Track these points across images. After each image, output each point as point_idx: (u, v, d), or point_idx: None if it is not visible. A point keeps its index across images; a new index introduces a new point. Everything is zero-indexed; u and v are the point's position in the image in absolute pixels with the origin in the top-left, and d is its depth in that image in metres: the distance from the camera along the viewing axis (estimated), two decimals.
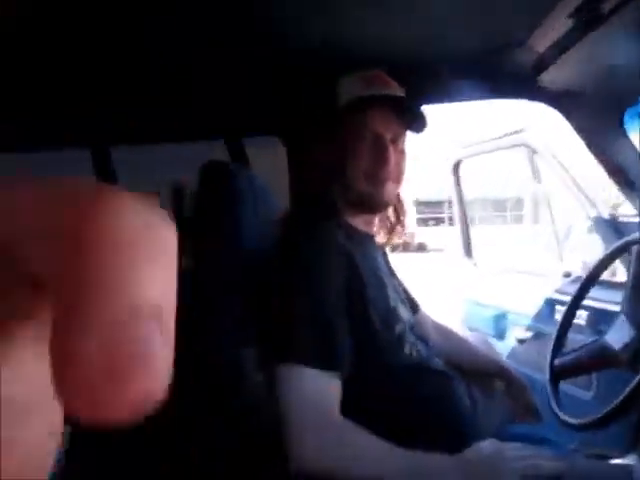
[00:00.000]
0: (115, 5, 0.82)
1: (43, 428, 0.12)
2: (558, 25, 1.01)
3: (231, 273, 0.90)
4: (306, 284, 0.80)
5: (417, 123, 0.96)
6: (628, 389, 0.85)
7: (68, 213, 0.10)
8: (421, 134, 0.99)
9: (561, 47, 1.07)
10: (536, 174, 2.07)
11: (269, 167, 1.50)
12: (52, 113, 1.28)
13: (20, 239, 0.10)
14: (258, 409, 0.83)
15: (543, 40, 1.08)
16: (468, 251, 2.34)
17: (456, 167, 2.24)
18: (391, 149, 0.92)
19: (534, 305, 1.84)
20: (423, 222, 18.68)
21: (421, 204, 19.07)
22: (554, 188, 2.09)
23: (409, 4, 0.96)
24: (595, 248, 1.86)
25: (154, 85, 1.22)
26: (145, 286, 0.10)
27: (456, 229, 2.40)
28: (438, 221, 18.20)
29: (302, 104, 1.17)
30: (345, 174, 0.94)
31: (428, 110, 1.12)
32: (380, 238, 1.07)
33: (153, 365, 0.10)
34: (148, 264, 0.11)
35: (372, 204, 0.95)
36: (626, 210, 1.59)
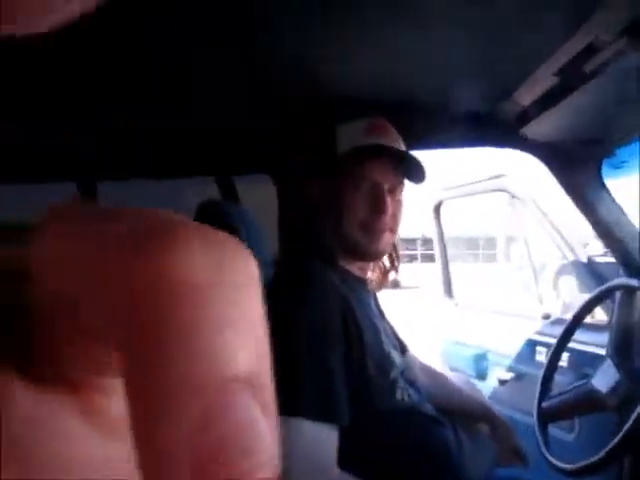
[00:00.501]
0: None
1: None
2: (542, 82, 1.08)
3: None
4: (305, 330, 0.79)
5: (416, 173, 0.98)
6: (620, 435, 0.87)
7: (132, 259, 0.08)
8: (419, 184, 1.01)
9: (544, 102, 1.13)
10: (513, 217, 2.14)
11: (258, 204, 1.52)
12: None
13: (82, 289, 0.09)
14: None
15: (528, 95, 1.15)
16: (449, 290, 2.38)
17: (437, 207, 2.30)
18: (388, 199, 0.93)
19: (514, 346, 1.87)
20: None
21: (401, 241, 19.22)
22: (530, 230, 2.15)
23: (408, 53, 1.00)
24: (571, 289, 1.91)
25: (149, 119, 1.23)
26: (235, 348, 0.08)
27: (437, 267, 2.43)
28: (411, 258, 18.39)
29: (300, 146, 1.19)
30: (341, 222, 0.94)
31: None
32: (373, 282, 1.07)
33: (258, 444, 0.08)
34: (235, 325, 0.09)
35: (367, 253, 0.96)
36: (596, 250, 1.66)
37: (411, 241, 18.17)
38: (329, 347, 0.79)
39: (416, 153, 1.12)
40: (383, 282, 1.07)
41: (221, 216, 1.00)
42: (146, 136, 1.32)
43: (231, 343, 0.08)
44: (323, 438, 0.74)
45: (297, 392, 0.75)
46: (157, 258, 0.08)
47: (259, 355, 0.09)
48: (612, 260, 1.51)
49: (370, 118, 0.97)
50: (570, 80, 1.02)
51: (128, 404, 0.08)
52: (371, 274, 1.05)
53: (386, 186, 0.94)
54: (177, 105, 1.21)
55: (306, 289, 0.84)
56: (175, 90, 1.14)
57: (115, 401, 0.10)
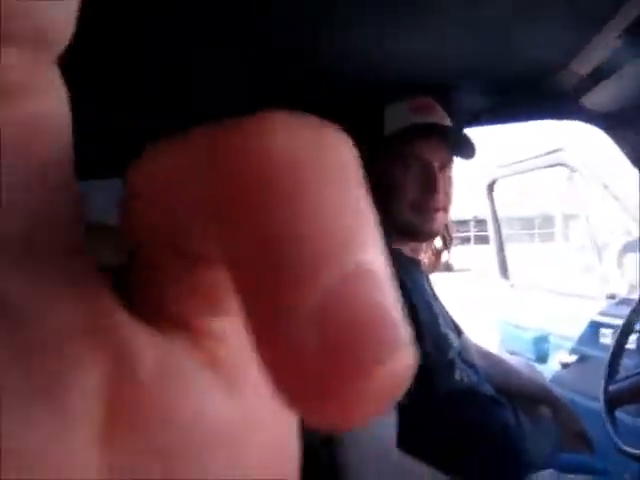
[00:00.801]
0: None
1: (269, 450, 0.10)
2: (601, 49, 1.01)
3: None
4: None
5: (465, 149, 0.96)
6: None
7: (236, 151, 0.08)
8: (470, 160, 0.99)
9: (604, 70, 1.06)
10: (572, 193, 2.05)
11: None
12: None
13: (181, 201, 0.08)
14: None
15: (586, 63, 1.08)
16: (504, 271, 2.31)
17: (491, 186, 2.23)
18: (440, 178, 0.92)
19: (577, 327, 1.80)
20: None
21: None
22: (591, 206, 2.05)
23: (456, 25, 0.97)
24: (636, 268, 1.81)
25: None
26: (354, 231, 0.08)
27: (491, 249, 2.37)
28: (464, 240, 17.99)
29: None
30: (392, 203, 0.93)
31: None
32: (425, 263, 1.06)
33: (397, 339, 0.07)
34: (350, 208, 0.08)
35: (420, 234, 0.95)
36: None
37: (463, 223, 17.75)
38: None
39: (472, 130, 1.10)
40: (436, 264, 1.06)
41: None
42: (146, 136, 1.34)
43: (351, 225, 0.08)
44: (382, 418, 0.75)
45: None
46: (258, 139, 0.08)
47: (375, 240, 0.08)
48: None
49: (415, 97, 0.95)
50: (631, 45, 0.96)
51: (244, 305, 0.08)
52: (424, 256, 1.04)
53: (436, 164, 0.93)
54: (189, 104, 1.22)
55: None
56: (183, 89, 1.15)
57: (229, 347, 0.10)
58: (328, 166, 0.08)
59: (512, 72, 1.20)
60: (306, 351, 0.07)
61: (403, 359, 0.07)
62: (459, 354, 0.96)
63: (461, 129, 0.97)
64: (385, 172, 0.94)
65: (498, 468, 0.87)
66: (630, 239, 1.61)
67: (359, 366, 0.07)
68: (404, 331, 0.08)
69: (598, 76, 1.09)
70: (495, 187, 2.25)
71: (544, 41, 1.06)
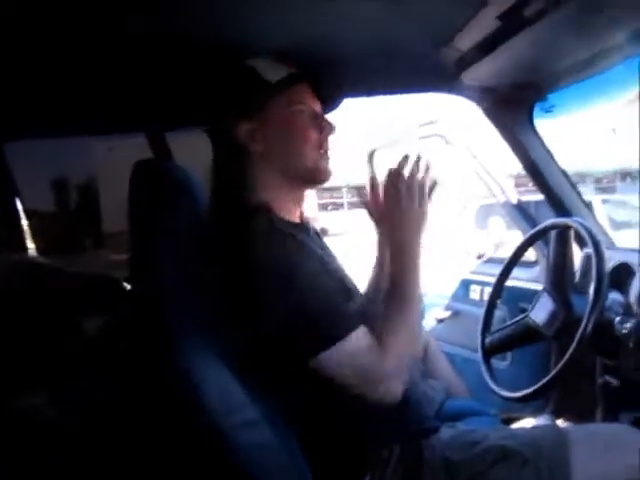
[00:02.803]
0: None
1: None
2: (482, 27, 1.08)
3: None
4: (306, 269, 0.81)
5: (333, 100, 1.02)
6: (564, 360, 0.95)
7: None
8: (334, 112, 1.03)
9: (483, 47, 1.14)
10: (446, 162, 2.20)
11: (192, 160, 1.45)
12: None
13: None
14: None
15: (467, 40, 1.15)
16: None
17: (371, 156, 2.30)
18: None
19: (449, 285, 1.97)
20: (323, 207, 19.04)
21: (321, 190, 19.39)
22: (463, 174, 2.22)
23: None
24: (500, 229, 2.02)
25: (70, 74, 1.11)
26: None
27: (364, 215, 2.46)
28: (337, 206, 18.66)
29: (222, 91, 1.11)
30: (287, 153, 0.92)
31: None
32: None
33: None
34: None
35: (324, 174, 0.95)
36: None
37: (337, 189, 18.36)
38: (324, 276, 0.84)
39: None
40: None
41: (162, 176, 0.93)
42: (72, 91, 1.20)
43: None
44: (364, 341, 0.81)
45: (342, 319, 0.80)
46: None
47: None
48: (537, 199, 1.61)
49: (272, 54, 0.95)
50: (509, 25, 1.03)
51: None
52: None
53: (316, 107, 0.95)
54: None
55: (283, 238, 0.83)
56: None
57: None
58: None
59: (395, 44, 1.23)
60: None
61: None
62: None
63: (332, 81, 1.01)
64: (283, 120, 0.91)
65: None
66: (495, 202, 1.75)
67: None
68: None
69: (477, 53, 1.16)
70: (375, 156, 2.33)
71: (428, 16, 1.10)
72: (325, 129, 0.94)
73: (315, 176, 0.94)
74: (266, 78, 0.91)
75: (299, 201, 0.98)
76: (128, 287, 1.05)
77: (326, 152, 0.94)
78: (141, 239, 0.90)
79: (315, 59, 0.99)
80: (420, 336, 0.88)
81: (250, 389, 0.79)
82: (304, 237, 0.90)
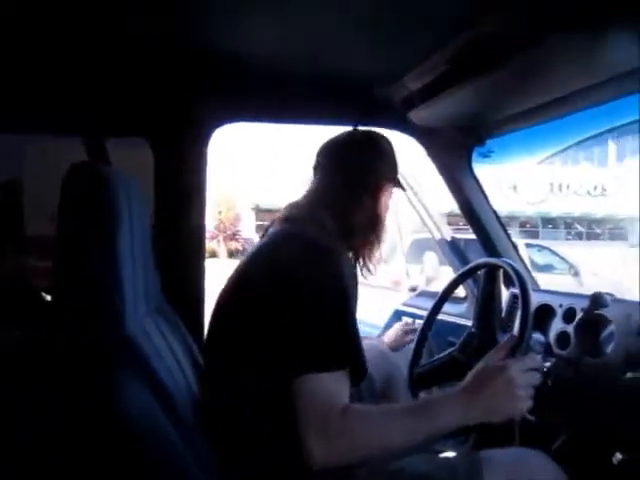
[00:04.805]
0: None
1: None
2: (432, 70, 1.13)
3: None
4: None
5: None
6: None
7: None
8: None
9: (431, 89, 1.19)
10: None
11: (129, 168, 1.41)
12: None
13: None
14: None
15: (417, 80, 1.20)
16: None
17: None
18: None
19: (382, 316, 2.00)
20: (262, 229, 18.91)
21: (260, 211, 19.33)
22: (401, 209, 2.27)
23: (299, 31, 1.00)
24: (433, 264, 2.09)
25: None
26: None
27: None
28: None
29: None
30: (380, 229, 1.00)
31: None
32: None
33: None
34: None
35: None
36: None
37: (278, 211, 18.33)
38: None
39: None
40: None
41: (100, 180, 0.89)
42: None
43: None
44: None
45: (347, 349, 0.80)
46: None
47: None
48: (467, 238, 1.68)
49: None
50: (457, 71, 1.09)
51: None
52: None
53: None
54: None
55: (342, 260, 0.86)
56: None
57: None
58: None
59: (347, 78, 1.27)
60: None
61: None
62: None
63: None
64: (383, 204, 1.01)
65: None
66: (430, 238, 1.81)
67: None
68: None
69: (425, 94, 1.21)
70: None
71: (382, 54, 1.14)
72: None
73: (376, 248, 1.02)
74: (397, 165, 1.04)
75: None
76: (48, 298, 0.98)
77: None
78: (71, 246, 0.85)
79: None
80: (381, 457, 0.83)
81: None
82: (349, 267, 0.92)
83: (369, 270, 1.03)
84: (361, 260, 1.01)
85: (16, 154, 1.47)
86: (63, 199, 0.86)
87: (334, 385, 0.76)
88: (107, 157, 1.43)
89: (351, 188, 0.96)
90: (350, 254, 0.99)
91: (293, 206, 1.00)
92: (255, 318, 0.82)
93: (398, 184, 1.04)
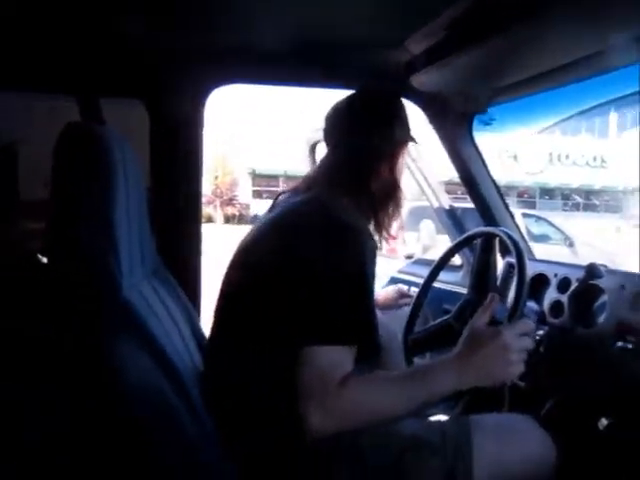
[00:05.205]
0: None
1: None
2: (434, 34, 1.10)
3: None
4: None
5: None
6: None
7: None
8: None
9: (433, 54, 1.16)
10: None
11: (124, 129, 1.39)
12: None
13: None
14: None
15: (419, 45, 1.17)
16: None
17: (313, 148, 2.30)
18: None
19: (379, 284, 2.01)
20: (258, 194, 18.89)
21: (257, 177, 19.21)
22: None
23: None
24: (430, 232, 2.09)
25: None
26: None
27: None
28: (273, 194, 18.54)
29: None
30: (397, 192, 0.98)
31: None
32: None
33: None
34: None
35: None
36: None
37: (274, 177, 18.26)
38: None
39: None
40: None
41: (94, 140, 0.87)
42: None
43: None
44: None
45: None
46: None
47: None
48: (468, 206, 1.67)
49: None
50: (459, 37, 1.06)
51: None
52: None
53: None
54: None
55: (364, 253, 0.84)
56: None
57: None
58: None
59: (347, 41, 1.24)
60: None
61: None
62: None
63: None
64: (398, 167, 0.99)
65: None
66: (427, 205, 1.80)
67: None
68: None
69: (426, 59, 1.18)
70: (317, 149, 2.33)
71: (383, 17, 1.11)
72: None
73: (395, 215, 1.00)
74: (408, 126, 1.00)
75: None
76: (44, 260, 0.97)
77: None
78: (65, 208, 0.84)
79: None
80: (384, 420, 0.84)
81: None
82: (370, 240, 0.90)
83: (389, 238, 1.03)
84: (381, 230, 1.00)
85: (6, 115, 1.44)
86: (57, 160, 0.84)
87: (337, 357, 0.77)
88: (101, 117, 1.40)
89: (366, 159, 0.95)
90: (370, 225, 0.98)
91: (309, 178, 0.98)
92: (268, 291, 0.83)
93: (412, 140, 1.01)
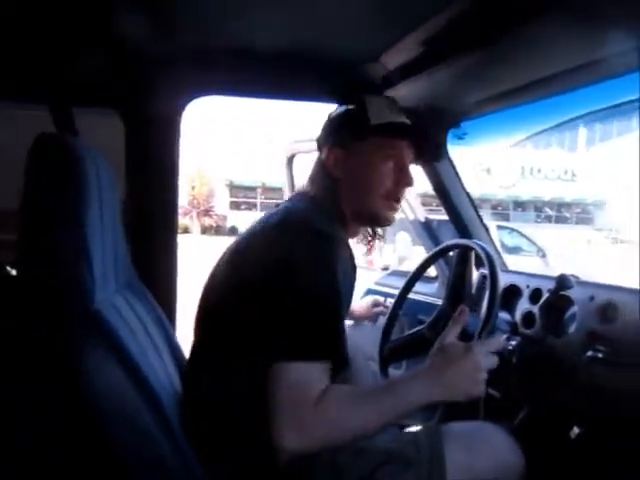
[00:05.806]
0: None
1: None
2: (408, 50, 1.13)
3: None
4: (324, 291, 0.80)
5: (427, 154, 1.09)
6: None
7: None
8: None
9: (408, 69, 1.19)
10: None
11: (98, 141, 1.37)
12: None
13: None
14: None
15: (394, 59, 1.19)
16: None
17: (290, 160, 2.31)
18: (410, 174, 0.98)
19: (355, 295, 2.02)
20: (236, 206, 18.80)
21: (235, 188, 19.14)
22: None
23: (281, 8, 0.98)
24: (406, 244, 2.11)
25: None
26: None
27: None
28: (250, 206, 18.52)
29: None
30: (366, 191, 0.96)
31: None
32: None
33: None
34: None
35: (382, 222, 0.99)
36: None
37: (251, 189, 18.22)
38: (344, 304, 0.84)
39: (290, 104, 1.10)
40: (370, 251, 1.10)
41: (67, 151, 0.86)
42: None
43: None
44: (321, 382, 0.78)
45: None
46: None
47: None
48: (443, 218, 1.70)
49: (390, 98, 1.04)
50: (433, 53, 1.08)
51: None
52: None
53: (407, 161, 0.98)
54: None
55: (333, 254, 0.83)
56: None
57: None
58: None
59: (324, 55, 1.25)
60: None
61: None
62: None
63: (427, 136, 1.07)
64: (364, 161, 0.96)
65: None
66: (403, 218, 1.82)
67: None
68: None
69: (401, 73, 1.21)
70: (294, 161, 2.34)
71: (359, 31, 1.13)
72: (404, 183, 0.97)
73: (373, 220, 1.00)
74: (369, 116, 0.97)
75: (353, 232, 1.01)
76: (13, 272, 0.95)
77: (396, 203, 0.98)
78: (37, 219, 0.82)
79: (417, 122, 1.04)
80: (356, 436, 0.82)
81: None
82: (345, 252, 0.89)
83: (371, 250, 1.03)
84: (363, 240, 1.02)
85: None
86: (29, 171, 0.83)
87: (309, 375, 0.75)
88: (75, 128, 1.38)
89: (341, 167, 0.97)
90: (352, 237, 1.00)
91: (300, 188, 1.02)
92: (242, 307, 0.82)
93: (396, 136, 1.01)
